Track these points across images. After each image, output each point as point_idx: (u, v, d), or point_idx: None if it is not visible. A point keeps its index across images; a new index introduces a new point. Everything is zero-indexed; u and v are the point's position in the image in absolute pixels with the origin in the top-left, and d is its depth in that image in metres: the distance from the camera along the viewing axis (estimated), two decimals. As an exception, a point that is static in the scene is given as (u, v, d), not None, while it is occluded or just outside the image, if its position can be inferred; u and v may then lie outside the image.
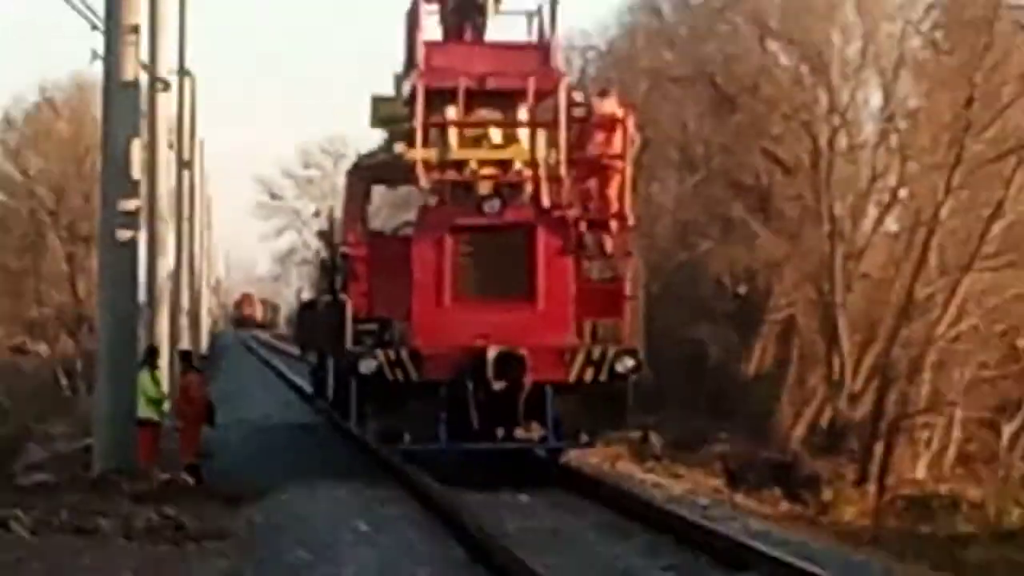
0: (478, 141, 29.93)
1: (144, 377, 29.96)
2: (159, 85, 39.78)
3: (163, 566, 21.24)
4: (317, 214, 39.94)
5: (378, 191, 33.44)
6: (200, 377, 32.94)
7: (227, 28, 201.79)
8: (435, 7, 31.09)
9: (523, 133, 29.93)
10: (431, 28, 31.08)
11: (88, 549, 22.04)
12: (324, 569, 20.22)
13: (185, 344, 44.15)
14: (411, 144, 29.16)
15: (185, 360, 33.46)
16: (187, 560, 21.57)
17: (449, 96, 29.33)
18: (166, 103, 43.33)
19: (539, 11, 31.18)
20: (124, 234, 30.20)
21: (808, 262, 55.96)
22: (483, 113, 30.20)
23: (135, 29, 30.63)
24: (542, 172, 29.04)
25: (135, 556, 21.66)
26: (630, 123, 30.78)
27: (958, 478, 50.58)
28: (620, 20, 69.88)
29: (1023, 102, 50.87)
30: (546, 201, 28.51)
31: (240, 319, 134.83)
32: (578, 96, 32.62)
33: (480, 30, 31.21)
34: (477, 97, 29.86)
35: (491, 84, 29.83)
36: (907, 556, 29.84)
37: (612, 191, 29.75)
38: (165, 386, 33.03)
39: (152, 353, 32.33)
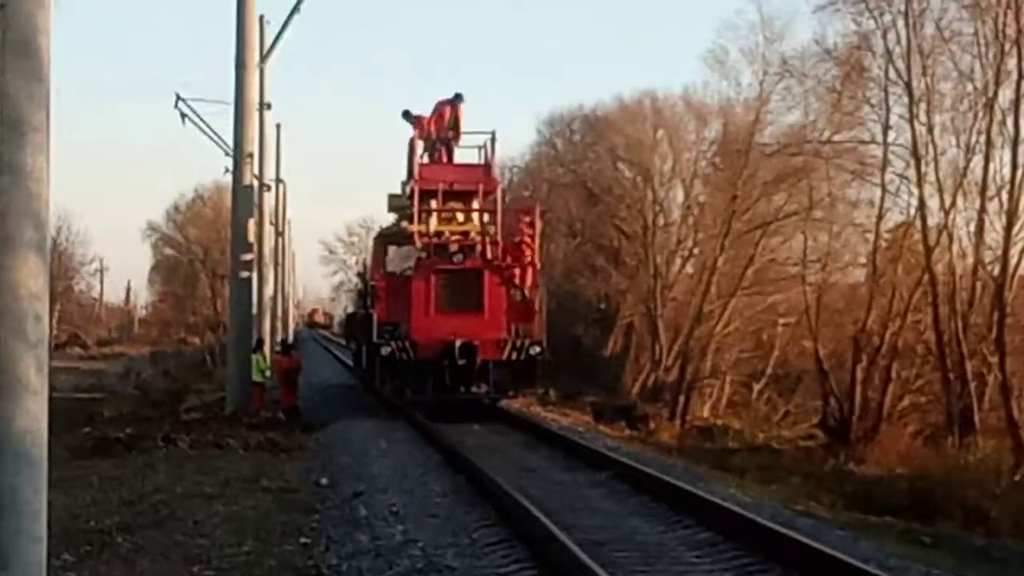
0: (449, 220, 35.22)
1: (256, 358, 35.42)
2: (265, 187, 44.10)
3: (266, 466, 24.72)
4: (361, 271, 43.45)
5: (392, 249, 36.55)
6: (288, 358, 37.84)
7: (307, 146, 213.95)
8: (422, 143, 36.04)
9: (475, 216, 35.38)
10: (422, 154, 36.08)
11: (222, 456, 26.46)
12: (360, 468, 23.54)
13: (279, 338, 47.88)
14: (411, 222, 34.57)
15: (282, 346, 38.92)
16: (280, 463, 25.50)
17: (432, 194, 34.77)
18: (269, 197, 47.93)
19: (484, 145, 36.52)
20: (244, 274, 36.28)
21: (640, 291, 61.78)
22: (452, 204, 35.33)
23: (251, 155, 36.32)
24: (487, 239, 34.48)
25: (250, 460, 25.84)
26: (537, 212, 36.83)
27: (727, 416, 54.77)
28: (531, 150, 77.27)
29: (765, 199, 55.91)
30: (489, 255, 34.06)
31: (311, 323, 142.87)
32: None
33: (450, 155, 36.38)
34: (448, 195, 35.16)
35: (456, 187, 35.20)
36: (698, 460, 33.51)
37: (528, 250, 34.79)
38: (267, 363, 37.01)
39: (259, 343, 37.47)
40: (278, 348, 38.00)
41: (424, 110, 36.77)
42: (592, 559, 12.94)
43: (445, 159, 36.60)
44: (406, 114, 36.79)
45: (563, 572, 13.23)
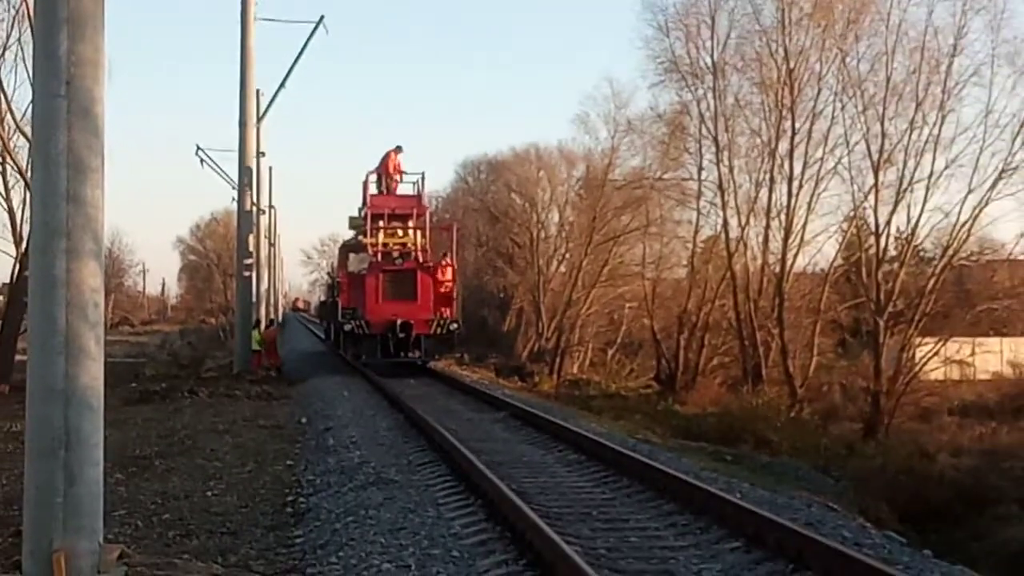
0: (392, 235, 35.25)
1: (255, 333, 35.46)
2: (261, 212, 43.44)
3: (263, 409, 24.76)
4: (330, 272, 43.50)
5: (352, 255, 34.90)
6: (275, 329, 37.82)
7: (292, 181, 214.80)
8: (374, 178, 35.87)
9: (411, 232, 35.39)
10: (373, 187, 35.90)
11: (231, 403, 26.09)
12: (329, 411, 23.41)
13: (273, 318, 46.26)
14: (366, 236, 34.66)
15: (269, 323, 38.37)
16: (272, 408, 25.30)
17: (380, 216, 34.89)
18: (264, 219, 47.66)
19: (416, 181, 36.71)
20: (246, 273, 35.88)
21: (528, 284, 61.05)
22: (394, 223, 35.34)
23: (249, 185, 35.88)
24: (419, 248, 34.65)
25: (251, 406, 25.55)
26: (454, 229, 37.32)
27: (590, 372, 54.44)
28: (451, 184, 76.85)
29: (616, 219, 56.12)
30: (421, 260, 33.99)
31: (295, 308, 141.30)
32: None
33: (391, 188, 36.19)
34: (391, 217, 35.23)
35: (397, 211, 35.53)
36: (569, 404, 33.94)
37: (449, 257, 34.87)
38: (262, 337, 36.34)
39: (257, 323, 36.92)
40: (270, 324, 37.22)
41: (376, 155, 36.79)
42: (493, 473, 12.98)
43: (389, 191, 36.26)
44: (398, 148, 36.70)
45: (472, 482, 13.24)
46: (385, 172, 36.24)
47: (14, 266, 35.60)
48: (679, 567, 9.61)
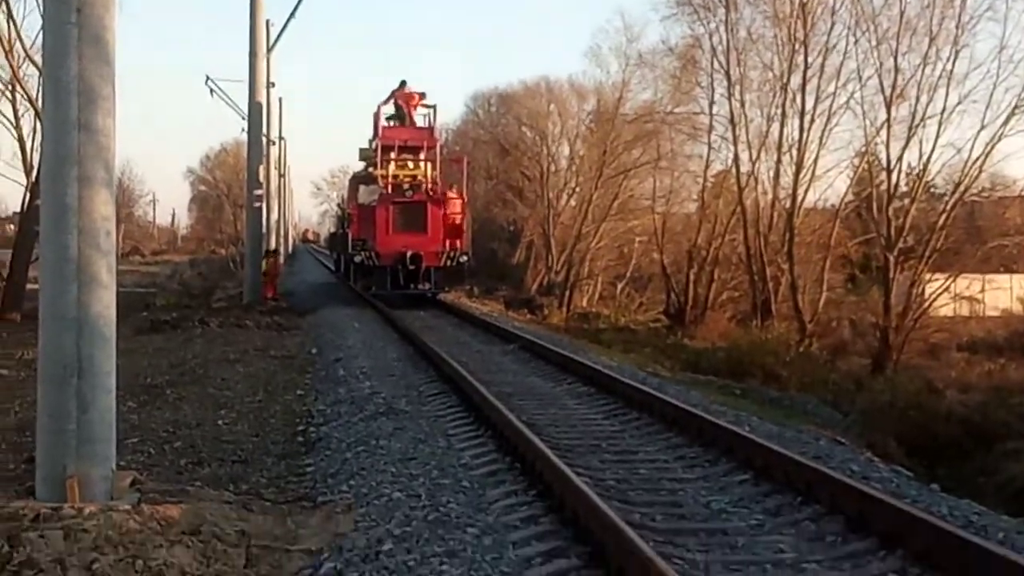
0: (403, 167, 35.08)
1: (264, 263, 35.30)
2: (272, 141, 44.16)
3: (274, 339, 24.78)
4: (341, 203, 43.27)
5: (362, 187, 35.51)
6: (273, 260, 37.17)
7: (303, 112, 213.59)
8: (386, 109, 36.16)
9: (421, 164, 35.35)
10: (384, 119, 36.14)
11: (242, 333, 26.23)
12: (340, 341, 23.43)
13: (271, 247, 47.52)
14: (376, 168, 34.94)
15: (269, 252, 37.62)
16: (283, 338, 25.32)
17: (391, 148, 34.78)
18: (274, 150, 48.33)
19: (428, 113, 36.51)
20: (256, 204, 35.55)
21: (538, 217, 60.84)
22: (405, 155, 35.27)
23: (259, 116, 35.50)
24: (429, 180, 34.65)
25: (262, 336, 25.59)
26: (465, 161, 37.36)
27: (599, 305, 54.75)
28: (462, 117, 76.45)
29: (626, 153, 55.89)
30: (431, 192, 33.97)
31: (304, 240, 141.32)
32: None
33: (405, 119, 36.19)
34: (402, 149, 35.10)
35: (408, 144, 35.41)
36: (578, 336, 33.61)
37: (457, 189, 35.39)
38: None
39: (267, 252, 37.01)
40: (267, 255, 37.07)
41: (387, 86, 36.83)
42: (503, 404, 12.97)
43: (402, 122, 36.26)
44: (402, 83, 36.72)
45: (482, 413, 13.26)
46: (403, 104, 36.16)
47: (25, 195, 35.69)
48: (687, 499, 9.66)
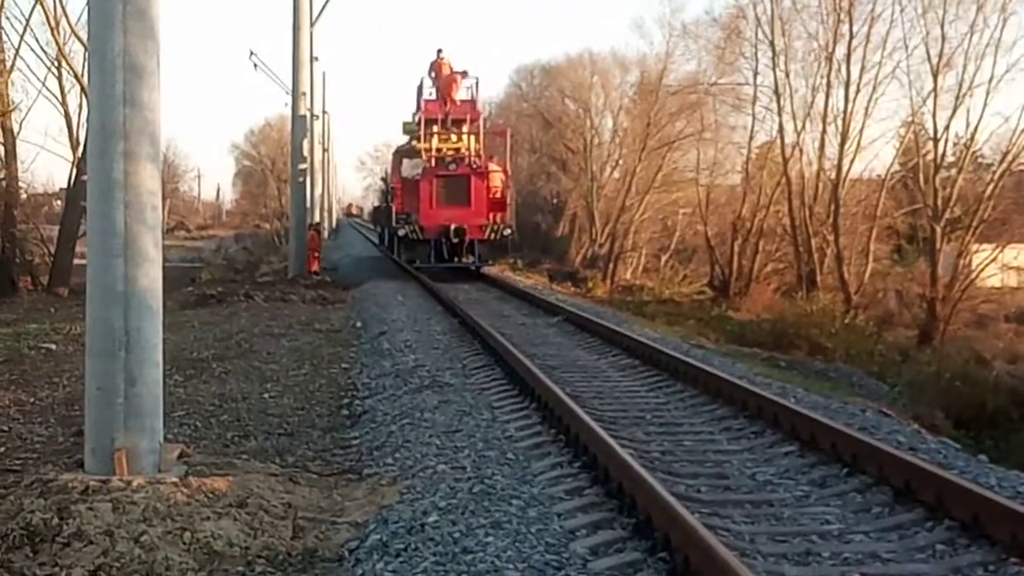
0: (446, 140, 35.09)
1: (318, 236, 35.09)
2: (314, 117, 43.20)
3: (318, 313, 24.81)
4: (384, 177, 43.18)
5: (406, 161, 36.25)
6: (315, 233, 36.94)
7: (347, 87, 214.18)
8: (428, 82, 36.26)
9: (465, 138, 35.20)
10: (427, 92, 36.34)
11: (287, 307, 26.14)
12: (384, 315, 23.45)
13: (324, 223, 47.15)
14: (420, 141, 34.78)
15: (310, 226, 37.37)
16: (327, 311, 25.40)
17: (434, 122, 34.80)
18: (317, 125, 47.98)
19: (471, 86, 36.47)
20: (300, 179, 35.75)
21: (581, 190, 60.46)
22: (449, 129, 35.34)
23: (304, 94, 35.65)
24: (473, 153, 34.52)
25: (307, 310, 25.60)
26: (508, 134, 37.40)
27: (643, 278, 54.32)
28: (505, 91, 75.60)
29: (670, 124, 55.45)
30: (474, 165, 33.94)
31: (348, 214, 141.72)
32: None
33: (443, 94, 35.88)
34: (446, 122, 35.16)
35: (452, 116, 35.42)
36: (622, 309, 32.97)
37: (498, 160, 35.49)
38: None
39: (312, 225, 37.24)
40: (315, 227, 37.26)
41: (428, 59, 36.69)
42: (547, 377, 12.98)
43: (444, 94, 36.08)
44: (439, 52, 36.69)
45: (526, 385, 13.26)
46: (440, 78, 36.07)
47: (71, 170, 36.02)
48: (733, 470, 9.65)
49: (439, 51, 36.64)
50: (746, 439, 10.91)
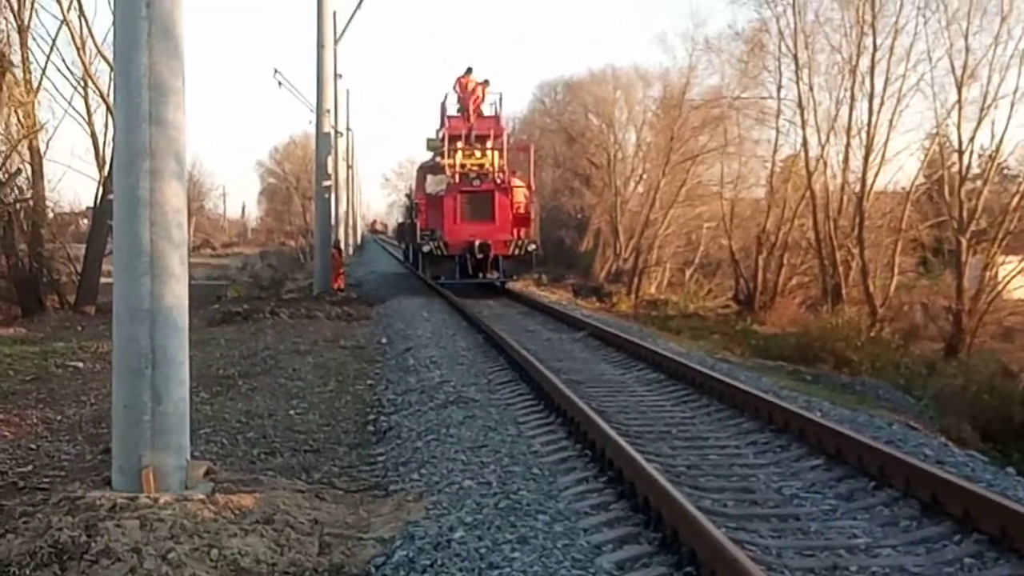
0: (470, 155, 35.45)
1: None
2: (339, 134, 43.61)
3: (344, 330, 24.78)
4: (409, 193, 43.34)
5: (430, 177, 35.21)
6: (338, 251, 37.01)
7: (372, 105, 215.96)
8: (454, 97, 36.23)
9: (489, 153, 35.51)
10: (451, 109, 36.35)
11: (312, 324, 26.11)
12: (409, 331, 23.46)
13: (348, 241, 47.29)
14: (444, 157, 34.96)
15: (334, 244, 36.83)
16: (352, 328, 25.41)
17: (458, 138, 35.13)
18: (342, 142, 49.16)
19: (495, 102, 36.64)
20: (324, 194, 35.73)
21: (605, 205, 60.86)
22: (472, 145, 35.66)
23: (328, 111, 35.63)
24: (497, 169, 34.67)
25: (332, 327, 25.56)
26: (532, 150, 37.41)
27: (667, 292, 54.43)
28: (528, 106, 76.47)
29: (693, 139, 55.64)
30: (499, 181, 33.88)
31: (373, 230, 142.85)
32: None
33: (462, 109, 36.20)
34: (470, 138, 35.45)
35: (476, 132, 35.68)
36: (647, 324, 33.48)
37: (521, 175, 35.47)
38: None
39: (337, 243, 37.40)
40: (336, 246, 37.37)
41: (452, 76, 36.93)
42: (572, 392, 13.00)
43: (467, 111, 36.20)
44: (468, 70, 36.77)
45: (552, 400, 13.24)
46: (464, 94, 36.15)
47: (97, 189, 36.21)
48: (759, 484, 9.63)
49: (469, 69, 36.77)
50: (772, 453, 10.88)
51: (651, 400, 14.38)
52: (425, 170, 37.23)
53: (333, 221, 39.30)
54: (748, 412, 12.69)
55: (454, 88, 36.63)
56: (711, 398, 13.94)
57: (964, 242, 42.07)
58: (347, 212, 65.59)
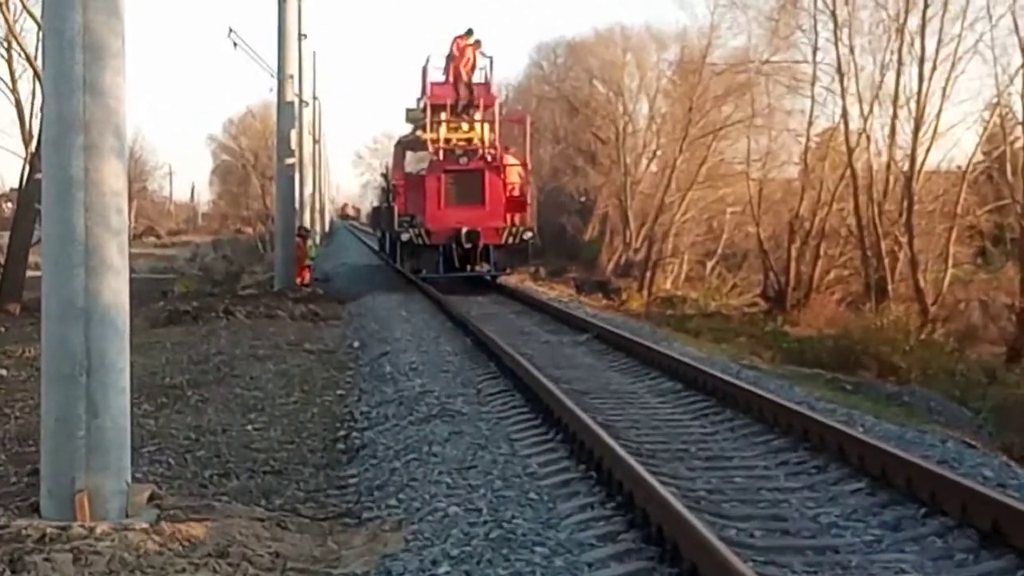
0: (456, 129, 35.26)
1: (309, 243, 35.78)
2: (303, 104, 43.88)
3: (310, 331, 25.00)
4: (385, 173, 43.37)
5: (409, 154, 36.76)
6: (303, 240, 37.21)
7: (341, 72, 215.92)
8: (436, 63, 36.16)
9: (477, 126, 35.40)
10: (434, 74, 36.31)
11: (273, 325, 26.12)
12: (385, 333, 23.71)
13: (316, 227, 47.76)
14: (425, 131, 34.88)
15: (299, 231, 37.53)
16: (320, 330, 25.63)
17: (442, 108, 34.92)
18: (307, 113, 48.68)
19: (485, 66, 36.48)
20: (287, 173, 36.12)
21: (613, 186, 61.26)
22: (459, 116, 35.50)
23: (291, 77, 36.01)
24: (487, 144, 34.65)
25: (296, 328, 25.63)
26: (528, 122, 37.16)
27: (685, 288, 54.59)
28: (524, 72, 76.78)
29: (716, 109, 55.74)
30: (489, 158, 34.08)
31: (343, 215, 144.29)
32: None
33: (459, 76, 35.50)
34: (457, 108, 35.26)
35: (463, 102, 35.39)
36: (661, 324, 33.07)
37: (520, 153, 35.71)
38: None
39: (303, 230, 37.66)
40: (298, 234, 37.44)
41: (437, 41, 36.94)
42: (574, 403, 12.98)
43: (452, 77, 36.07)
44: (469, 31, 36.41)
45: (551, 413, 13.26)
46: (457, 58, 36.01)
47: (23, 168, 36.08)
48: (792, 511, 9.60)
49: (469, 31, 36.52)
50: (806, 475, 10.87)
51: (666, 413, 14.40)
52: (404, 146, 37.57)
53: (297, 205, 39.42)
54: (779, 427, 12.69)
55: (451, 51, 36.31)
56: (736, 411, 13.93)
57: (1029, 229, 42.12)
58: (314, 194, 65.55)
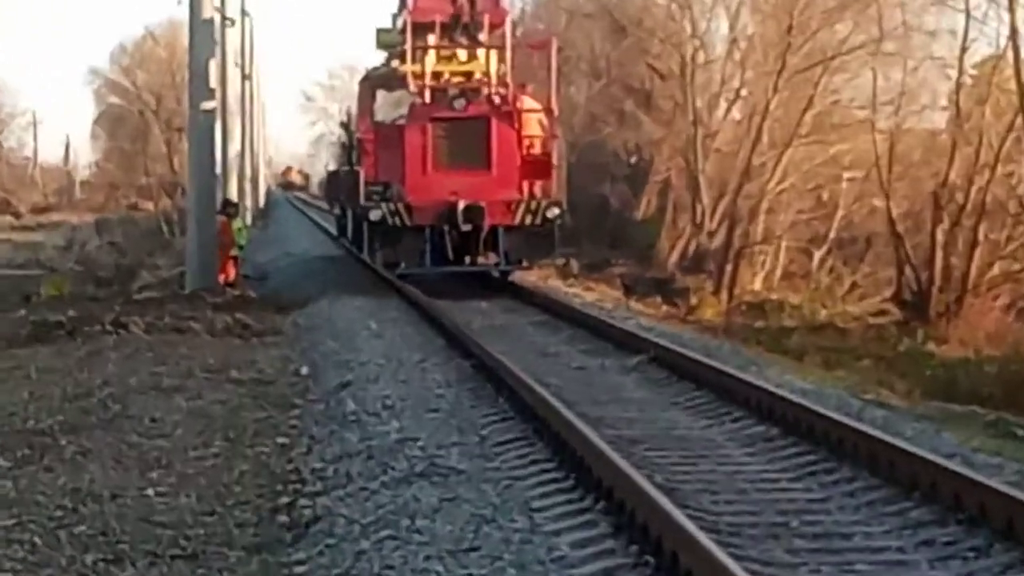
0: (449, 59, 35.01)
1: (235, 223, 36.24)
2: (228, 22, 44.68)
3: (235, 353, 24.84)
4: (345, 121, 43.16)
5: (381, 94, 36.65)
6: (226, 219, 37.36)
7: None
8: None
9: (480, 54, 35.16)
10: None
11: (183, 343, 26.29)
12: (347, 355, 23.76)
13: (248, 200, 48.46)
14: (403, 61, 34.47)
15: (228, 205, 38.66)
16: (252, 350, 25.64)
17: (429, 28, 34.56)
18: (233, 34, 49.54)
19: None
20: (205, 124, 36.14)
21: (678, 141, 61.50)
22: (454, 40, 35.30)
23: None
24: (494, 80, 34.55)
25: (216, 347, 25.76)
26: (553, 47, 36.33)
27: (783, 289, 55.28)
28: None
29: (827, 29, 56.08)
30: (497, 101, 34.01)
31: (286, 184, 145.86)
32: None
33: None
34: (448, 28, 35.01)
35: (460, 19, 34.87)
36: (748, 342, 34.05)
37: (543, 94, 35.41)
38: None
39: (228, 204, 38.31)
40: (223, 209, 37.51)
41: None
42: (621, 456, 13.00)
43: None
44: None
45: (592, 475, 13.22)
46: None
47: None
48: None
49: None
50: (959, 559, 10.86)
51: (755, 471, 14.42)
52: (373, 83, 37.61)
53: (220, 169, 39.33)
54: (919, 491, 12.68)
55: None
56: (856, 468, 13.91)
57: None
58: (243, 154, 65.32)
